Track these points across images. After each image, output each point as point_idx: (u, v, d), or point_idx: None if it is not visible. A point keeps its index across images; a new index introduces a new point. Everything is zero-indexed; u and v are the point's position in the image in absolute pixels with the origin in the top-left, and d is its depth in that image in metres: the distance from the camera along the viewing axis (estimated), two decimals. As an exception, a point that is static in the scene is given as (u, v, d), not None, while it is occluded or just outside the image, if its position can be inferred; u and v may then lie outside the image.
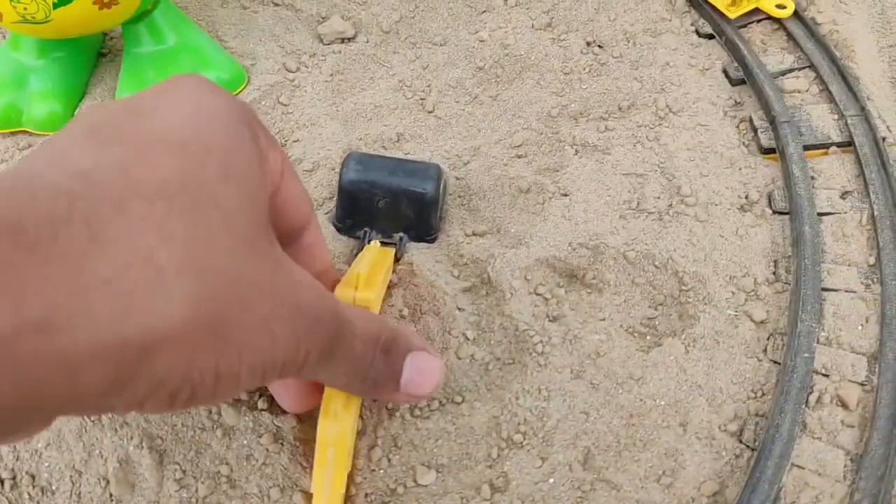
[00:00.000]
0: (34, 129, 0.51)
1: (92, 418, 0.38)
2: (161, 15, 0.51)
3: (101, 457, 0.37)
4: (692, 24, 0.57)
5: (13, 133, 0.52)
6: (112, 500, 0.36)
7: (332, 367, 0.27)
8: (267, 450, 0.37)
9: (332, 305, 0.26)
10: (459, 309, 0.42)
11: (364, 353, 0.28)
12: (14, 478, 0.37)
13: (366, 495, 0.37)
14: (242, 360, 0.22)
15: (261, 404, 0.38)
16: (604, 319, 0.41)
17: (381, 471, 0.37)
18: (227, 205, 0.22)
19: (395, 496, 0.37)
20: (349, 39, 0.58)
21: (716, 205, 0.46)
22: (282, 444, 0.37)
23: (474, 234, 0.45)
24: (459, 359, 0.40)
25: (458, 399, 0.39)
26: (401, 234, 0.44)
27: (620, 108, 0.51)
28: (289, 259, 0.25)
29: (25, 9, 0.43)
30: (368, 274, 0.35)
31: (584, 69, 0.54)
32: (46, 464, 0.37)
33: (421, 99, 0.54)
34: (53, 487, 0.37)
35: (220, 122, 0.24)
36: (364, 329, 0.28)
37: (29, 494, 0.37)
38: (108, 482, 0.37)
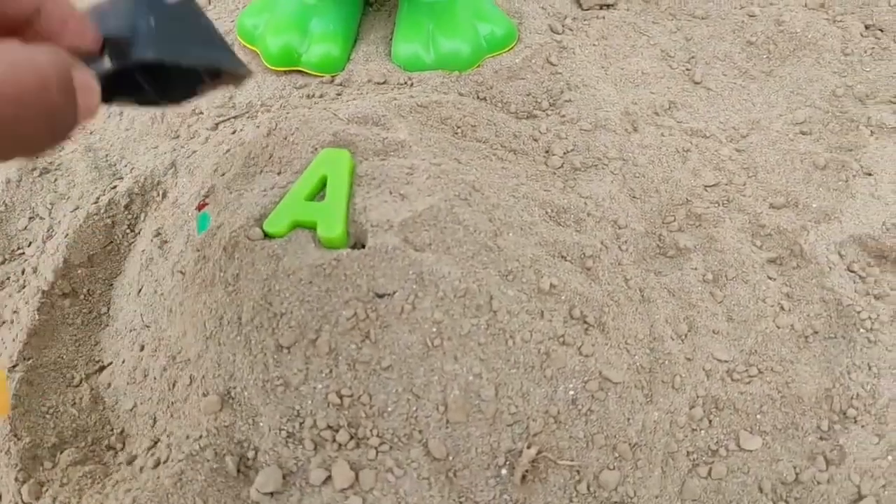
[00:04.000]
0: (310, 70, 0.52)
1: None
2: (444, -34, 0.52)
3: None
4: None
5: (287, 72, 0.53)
6: None
7: None
8: None
9: None
10: (770, 278, 0.41)
11: None
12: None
13: (687, 453, 0.36)
14: None
15: None
16: (933, 302, 0.40)
17: (703, 431, 0.37)
18: None
19: (718, 457, 0.36)
20: (608, 6, 0.57)
21: None
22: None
23: (772, 207, 0.44)
24: (778, 328, 0.39)
25: (779, 368, 0.38)
26: None
27: (911, 93, 0.49)
28: None
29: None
30: None
31: (866, 52, 0.52)
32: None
33: (687, 69, 0.53)
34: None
35: None
36: None
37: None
38: None
